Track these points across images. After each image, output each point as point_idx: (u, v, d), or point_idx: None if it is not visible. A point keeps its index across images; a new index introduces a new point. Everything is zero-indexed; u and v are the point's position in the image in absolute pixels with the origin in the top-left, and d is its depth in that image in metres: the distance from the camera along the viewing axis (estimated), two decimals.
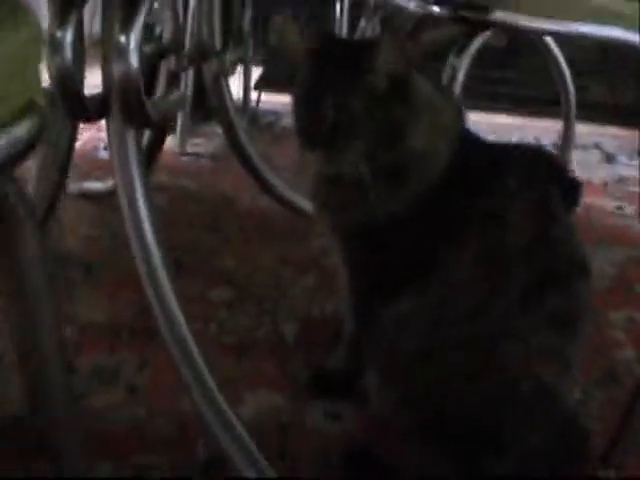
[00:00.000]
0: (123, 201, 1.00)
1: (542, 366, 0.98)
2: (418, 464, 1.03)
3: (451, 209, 1.00)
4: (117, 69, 0.91)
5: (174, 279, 1.04)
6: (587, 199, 2.15)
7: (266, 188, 1.75)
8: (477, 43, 1.21)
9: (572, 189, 1.10)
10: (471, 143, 1.07)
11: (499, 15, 1.19)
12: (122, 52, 0.89)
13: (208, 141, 2.39)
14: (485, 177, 1.01)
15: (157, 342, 1.26)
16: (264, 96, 2.69)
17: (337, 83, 0.96)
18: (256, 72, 2.82)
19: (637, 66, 2.97)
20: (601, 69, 3.04)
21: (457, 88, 1.25)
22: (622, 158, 2.61)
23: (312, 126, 0.98)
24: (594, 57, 3.01)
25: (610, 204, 2.16)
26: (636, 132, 2.88)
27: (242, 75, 2.54)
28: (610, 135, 2.84)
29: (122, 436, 1.10)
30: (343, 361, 1.17)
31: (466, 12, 1.19)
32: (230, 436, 0.97)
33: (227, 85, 1.55)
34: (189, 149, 2.31)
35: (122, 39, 0.89)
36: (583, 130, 2.47)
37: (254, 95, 2.66)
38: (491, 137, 1.37)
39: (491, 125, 2.75)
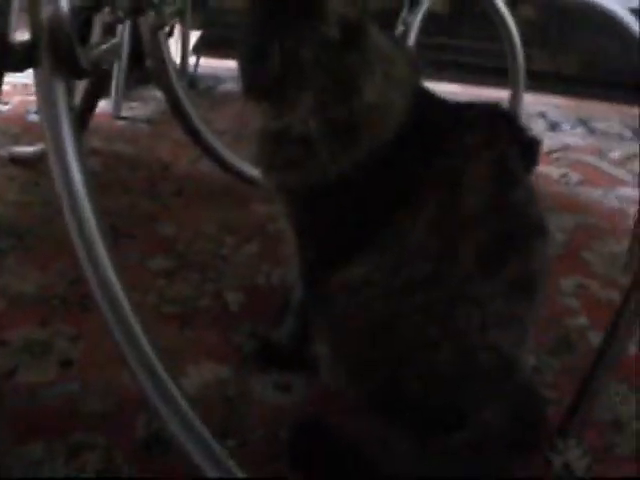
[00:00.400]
0: (53, 161, 0.92)
1: (500, 334, 0.94)
2: (371, 437, 0.98)
3: (405, 168, 0.94)
4: (46, 13, 0.82)
5: (110, 246, 0.97)
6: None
7: (207, 151, 1.67)
8: None
9: (531, 148, 1.05)
10: (426, 98, 1.00)
11: None
12: None
13: (144, 105, 2.30)
14: (442, 135, 0.95)
15: (92, 313, 1.20)
16: (203, 60, 2.61)
17: (285, 30, 0.87)
18: (194, 36, 2.72)
19: (579, 36, 2.97)
20: (544, 39, 3.03)
21: (411, 44, 1.19)
22: (566, 127, 2.61)
23: (257, 76, 0.90)
24: (536, 26, 2.99)
25: (555, 172, 2.14)
26: (579, 101, 2.90)
27: (180, 39, 2.46)
28: (553, 104, 2.83)
29: (55, 414, 1.03)
30: (291, 330, 1.11)
31: None
32: (172, 410, 0.90)
33: (166, 41, 1.47)
34: (124, 113, 2.22)
35: None
36: (527, 99, 2.45)
37: (192, 59, 2.58)
38: None
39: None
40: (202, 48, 2.73)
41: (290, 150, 0.95)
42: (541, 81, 2.89)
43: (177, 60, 2.47)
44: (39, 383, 1.07)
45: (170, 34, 1.74)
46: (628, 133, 2.61)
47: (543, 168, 2.14)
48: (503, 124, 1.04)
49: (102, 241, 0.94)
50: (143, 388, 0.92)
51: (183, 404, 0.91)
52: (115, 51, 1.04)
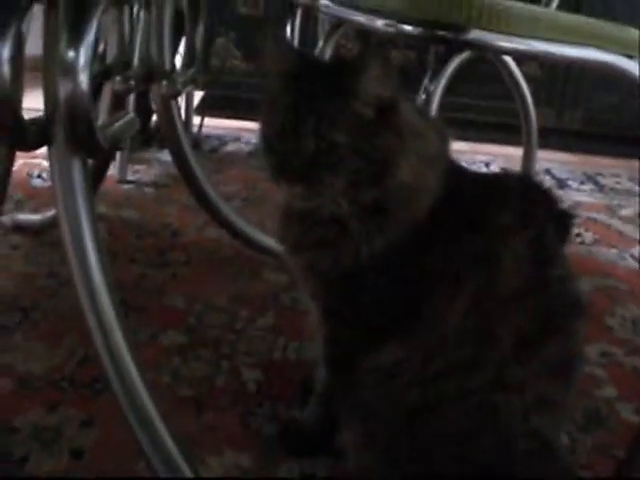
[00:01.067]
0: (67, 239, 0.88)
1: (541, 418, 0.89)
2: None
3: (440, 249, 0.89)
4: (64, 89, 0.78)
5: (124, 322, 0.93)
6: None
7: (216, 216, 1.63)
8: (454, 65, 1.12)
9: (565, 220, 1.01)
10: (459, 174, 0.97)
11: (476, 34, 1.11)
12: (70, 70, 0.77)
13: (149, 168, 2.27)
14: (476, 212, 0.91)
15: (103, 396, 1.15)
16: (206, 121, 2.59)
17: (318, 110, 0.84)
18: (197, 96, 2.71)
19: (584, 91, 2.97)
20: (548, 95, 3.03)
21: (432, 113, 1.16)
22: (573, 184, 2.58)
23: (289, 159, 0.86)
24: (541, 84, 3.00)
25: None
26: (585, 157, 2.89)
27: (184, 99, 2.44)
28: (559, 161, 2.82)
29: None
30: (316, 415, 1.05)
31: (442, 31, 1.10)
32: None
33: (177, 108, 1.44)
34: (129, 177, 2.18)
35: (70, 55, 0.77)
36: None
37: (196, 120, 2.56)
38: None
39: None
40: (205, 108, 2.72)
41: (320, 231, 0.91)
42: (546, 137, 2.89)
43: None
44: (51, 472, 1.01)
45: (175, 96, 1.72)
46: (636, 188, 2.59)
47: None
48: (539, 197, 1.00)
49: (116, 318, 0.90)
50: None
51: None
52: (131, 127, 1.01)
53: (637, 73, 1.35)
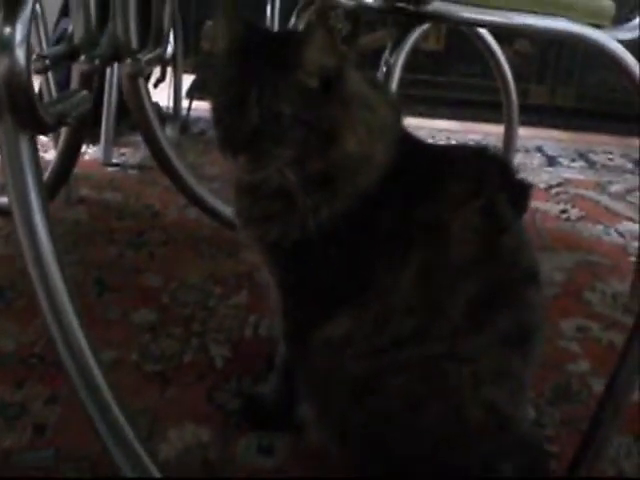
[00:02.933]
0: (17, 218, 0.88)
1: (494, 390, 0.89)
2: None
3: (389, 220, 0.89)
4: (1, 66, 0.78)
5: (76, 302, 0.92)
6: (531, 204, 2.09)
7: (193, 199, 1.63)
8: (413, 38, 1.11)
9: (521, 192, 1.01)
10: (411, 145, 0.96)
11: (438, 6, 1.10)
12: (6, 46, 0.77)
13: (135, 151, 2.27)
14: (427, 183, 0.91)
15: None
16: (196, 104, 2.58)
17: (262, 81, 0.84)
18: (187, 80, 2.71)
19: (577, 68, 2.95)
20: (541, 73, 3.01)
21: (393, 86, 1.15)
22: (564, 161, 2.57)
23: (234, 129, 0.86)
24: (533, 61, 2.98)
25: (555, 208, 2.10)
26: (577, 134, 2.87)
27: (172, 82, 2.44)
28: (551, 138, 2.80)
29: None
30: (276, 389, 1.06)
31: (403, 3, 1.10)
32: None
33: (146, 88, 1.43)
34: (115, 160, 2.19)
35: (6, 31, 0.77)
36: (524, 134, 2.43)
37: (185, 103, 2.56)
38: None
39: (429, 130, 2.69)
40: (195, 92, 2.71)
41: (268, 203, 0.91)
42: (538, 115, 2.87)
43: (170, 104, 2.46)
44: (13, 448, 1.02)
45: (162, 79, 1.72)
46: (628, 165, 2.57)
47: (542, 204, 2.10)
48: (492, 168, 0.99)
49: (68, 297, 0.90)
50: (113, 456, 0.87)
51: (155, 472, 0.86)
52: (85, 103, 1.00)
53: (609, 44, 1.35)
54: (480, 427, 0.89)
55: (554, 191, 2.25)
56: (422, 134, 1.13)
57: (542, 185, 2.28)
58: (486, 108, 2.73)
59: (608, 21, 1.35)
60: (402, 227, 0.89)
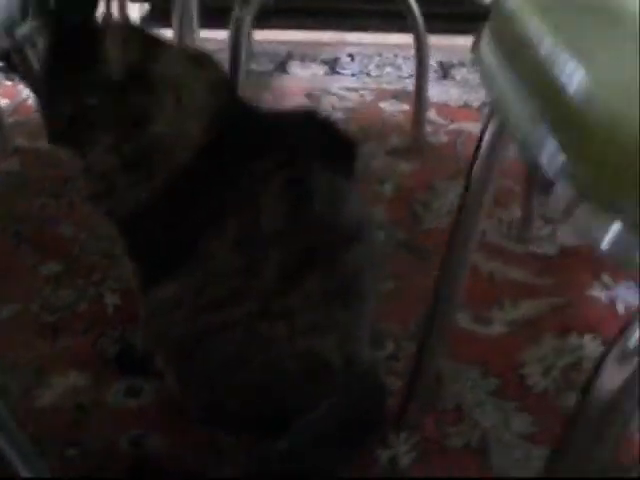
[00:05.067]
0: None
1: (313, 340, 1.00)
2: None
3: (207, 193, 1.00)
4: None
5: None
6: (458, 124, 2.11)
7: None
8: None
9: (346, 155, 1.09)
10: (239, 119, 1.05)
11: None
12: None
13: None
14: (244, 156, 1.00)
15: None
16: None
17: (69, 76, 0.95)
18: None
19: None
20: None
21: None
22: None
23: (52, 122, 0.97)
24: None
25: (479, 128, 2.10)
26: None
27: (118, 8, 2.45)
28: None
29: None
30: (140, 339, 1.19)
31: None
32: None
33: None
34: None
35: None
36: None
37: None
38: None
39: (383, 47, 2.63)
40: (151, 20, 2.71)
41: (95, 185, 1.03)
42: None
43: None
44: None
45: None
46: None
47: (468, 125, 2.08)
48: (316, 134, 1.08)
49: None
50: None
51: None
52: None
53: None
54: (300, 373, 1.01)
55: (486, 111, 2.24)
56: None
57: (476, 103, 2.27)
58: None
59: None
60: (218, 199, 0.99)
